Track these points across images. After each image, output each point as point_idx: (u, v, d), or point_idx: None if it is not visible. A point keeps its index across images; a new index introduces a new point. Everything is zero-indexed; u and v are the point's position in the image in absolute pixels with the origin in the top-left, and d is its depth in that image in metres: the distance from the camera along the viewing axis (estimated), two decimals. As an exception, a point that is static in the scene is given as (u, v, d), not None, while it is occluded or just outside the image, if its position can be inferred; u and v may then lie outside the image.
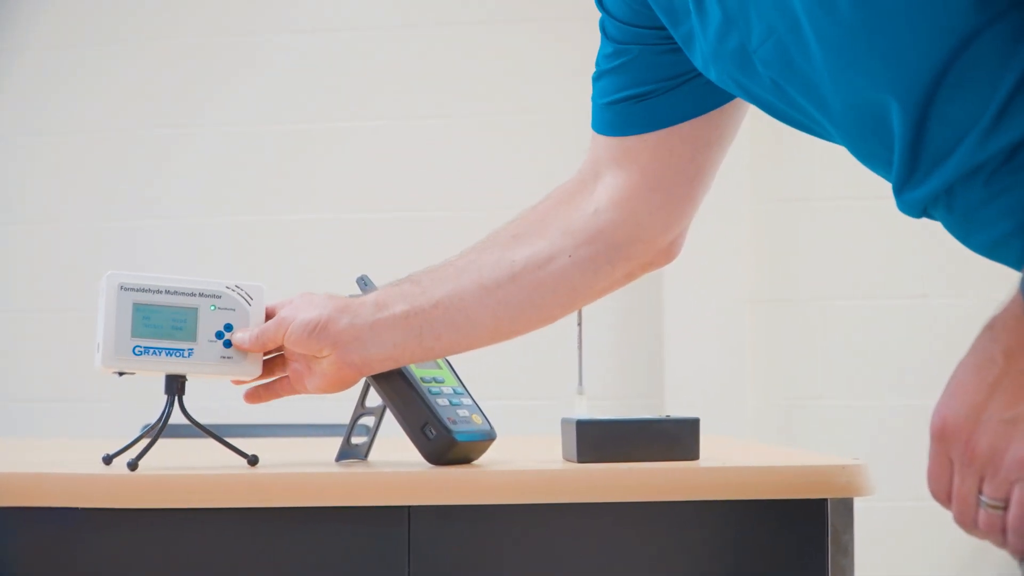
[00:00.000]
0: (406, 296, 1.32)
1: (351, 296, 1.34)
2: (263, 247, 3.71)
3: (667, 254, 1.42)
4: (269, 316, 1.34)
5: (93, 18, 3.85)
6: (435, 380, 1.34)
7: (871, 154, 1.10)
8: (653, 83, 1.32)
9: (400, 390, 1.31)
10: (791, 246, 3.51)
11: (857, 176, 3.69)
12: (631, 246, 1.38)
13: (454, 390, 1.35)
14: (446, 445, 1.29)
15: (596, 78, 1.36)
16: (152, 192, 3.79)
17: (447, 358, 1.39)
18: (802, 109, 1.12)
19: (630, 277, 1.41)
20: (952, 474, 0.92)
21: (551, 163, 3.55)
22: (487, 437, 1.33)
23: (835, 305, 3.50)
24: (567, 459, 1.33)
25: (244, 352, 1.32)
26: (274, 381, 1.36)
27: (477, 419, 1.33)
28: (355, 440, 1.39)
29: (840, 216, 3.49)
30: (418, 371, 1.33)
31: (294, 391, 1.34)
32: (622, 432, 1.31)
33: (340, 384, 1.31)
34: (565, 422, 1.34)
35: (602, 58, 1.35)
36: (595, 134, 1.38)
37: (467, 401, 1.35)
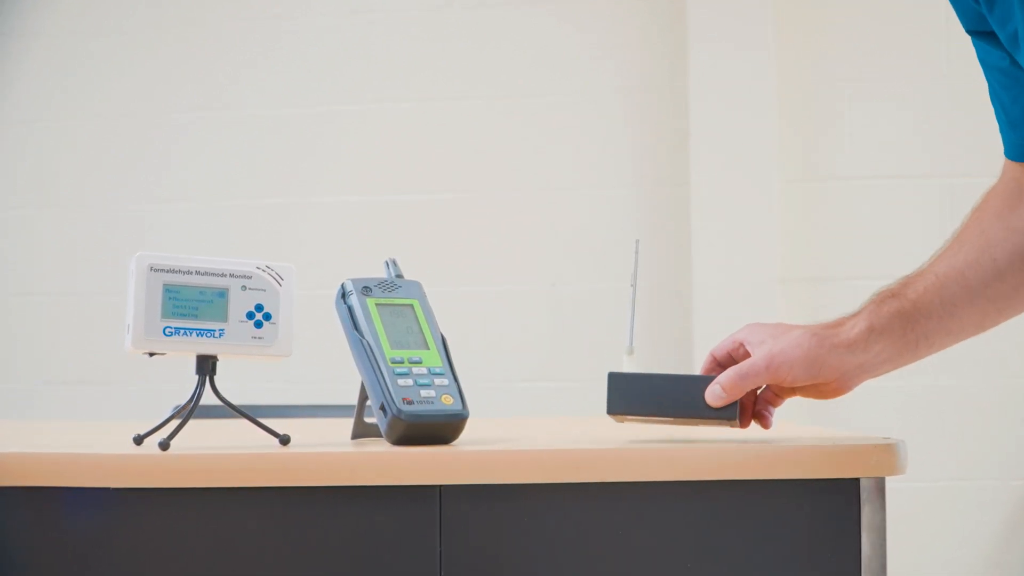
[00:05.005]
0: (899, 314, 1.38)
1: (775, 324, 1.42)
2: (289, 230, 3.71)
3: None
4: (725, 357, 1.37)
5: (116, 2, 3.85)
6: (409, 360, 1.31)
7: None
8: None
9: (363, 371, 1.30)
10: (821, 225, 3.49)
11: (887, 155, 3.67)
12: None
13: (429, 370, 1.31)
14: (392, 424, 1.27)
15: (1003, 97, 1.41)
16: (180, 176, 3.80)
17: (444, 337, 1.37)
18: None
19: None
20: None
21: (578, 144, 3.54)
22: (449, 418, 1.30)
23: (865, 284, 3.46)
24: (610, 414, 1.33)
25: (275, 330, 1.32)
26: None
27: (448, 399, 1.30)
28: (368, 420, 1.38)
29: (870, 195, 3.47)
30: (392, 351, 1.31)
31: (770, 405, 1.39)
32: (655, 386, 1.30)
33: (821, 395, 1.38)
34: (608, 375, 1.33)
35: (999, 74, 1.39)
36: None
37: (444, 381, 1.31)
